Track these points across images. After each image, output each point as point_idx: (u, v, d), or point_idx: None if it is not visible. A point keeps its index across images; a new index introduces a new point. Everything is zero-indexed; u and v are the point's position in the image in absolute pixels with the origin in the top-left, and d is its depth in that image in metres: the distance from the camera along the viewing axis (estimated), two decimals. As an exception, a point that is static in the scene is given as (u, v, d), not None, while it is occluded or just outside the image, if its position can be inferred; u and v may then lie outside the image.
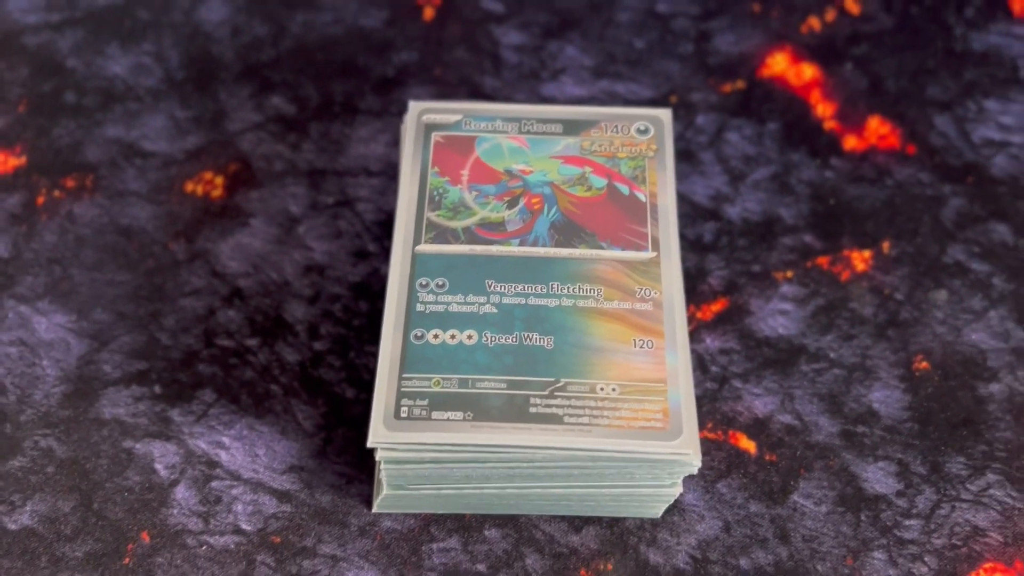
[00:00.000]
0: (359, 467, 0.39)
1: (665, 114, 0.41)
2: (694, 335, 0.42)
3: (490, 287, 0.36)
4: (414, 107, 0.41)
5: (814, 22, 0.52)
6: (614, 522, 0.38)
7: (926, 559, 0.37)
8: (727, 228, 0.45)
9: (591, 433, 0.33)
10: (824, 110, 0.49)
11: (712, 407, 0.40)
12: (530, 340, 0.35)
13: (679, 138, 0.48)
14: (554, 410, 0.34)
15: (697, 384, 0.40)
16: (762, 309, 0.43)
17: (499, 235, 0.38)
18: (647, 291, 0.36)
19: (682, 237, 0.44)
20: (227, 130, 0.48)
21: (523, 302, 0.36)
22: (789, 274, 0.44)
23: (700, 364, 0.41)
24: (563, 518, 0.38)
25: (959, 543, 0.37)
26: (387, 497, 0.36)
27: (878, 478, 0.39)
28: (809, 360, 0.42)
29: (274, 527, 0.37)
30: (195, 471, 0.38)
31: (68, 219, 0.45)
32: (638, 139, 0.40)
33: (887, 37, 0.52)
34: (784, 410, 0.40)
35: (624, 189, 0.39)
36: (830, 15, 0.53)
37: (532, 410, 0.34)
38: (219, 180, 0.46)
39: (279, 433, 0.39)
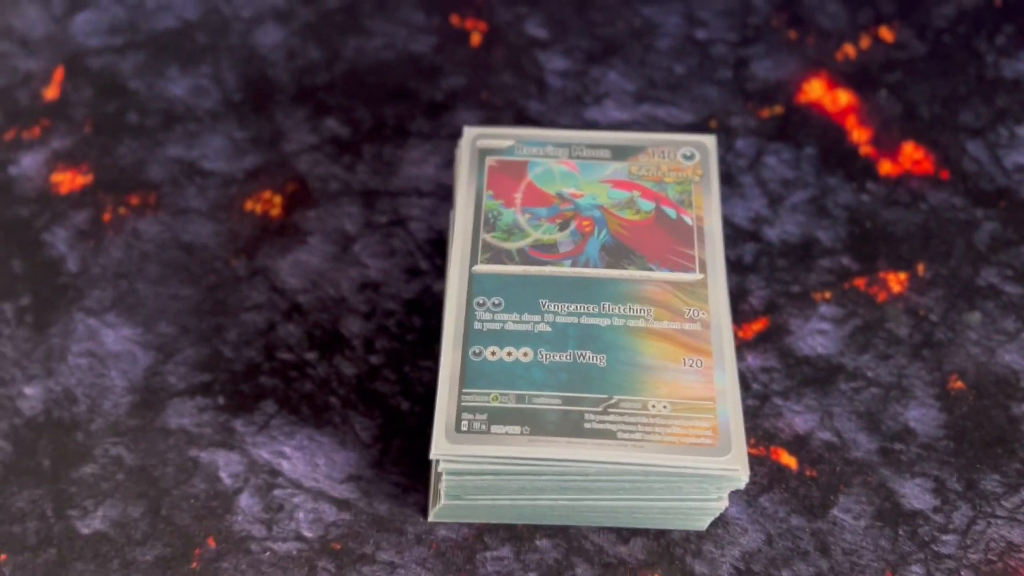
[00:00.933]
0: (414, 477, 0.41)
1: (710, 140, 0.43)
2: (736, 353, 0.43)
3: (544, 306, 0.38)
4: (468, 132, 0.43)
5: (849, 49, 0.54)
6: (660, 534, 0.39)
7: (962, 573, 0.38)
8: (767, 249, 0.47)
9: (644, 449, 0.35)
10: (860, 135, 0.51)
11: (754, 423, 0.42)
12: (583, 358, 0.37)
13: (719, 161, 0.49)
14: (608, 426, 0.35)
15: (740, 401, 0.42)
16: (801, 329, 0.44)
17: (552, 256, 0.39)
18: (695, 311, 0.38)
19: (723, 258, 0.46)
20: (284, 151, 0.49)
21: (576, 321, 0.38)
22: (827, 295, 0.45)
23: (742, 381, 0.43)
24: (611, 529, 0.39)
25: (994, 558, 0.39)
26: (444, 507, 0.38)
27: (915, 494, 0.40)
28: (847, 379, 0.43)
29: (334, 534, 0.39)
30: (258, 479, 0.40)
31: (133, 235, 0.47)
32: (684, 164, 0.42)
33: (920, 64, 0.53)
34: (824, 427, 0.42)
35: (671, 213, 0.41)
36: (864, 42, 0.54)
37: (587, 426, 0.35)
38: (277, 199, 0.48)
39: (338, 444, 0.41)
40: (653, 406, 0.36)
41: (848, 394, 0.43)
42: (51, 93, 0.52)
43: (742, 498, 0.40)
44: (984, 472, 0.41)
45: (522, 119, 0.51)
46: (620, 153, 0.42)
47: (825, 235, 0.47)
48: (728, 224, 0.47)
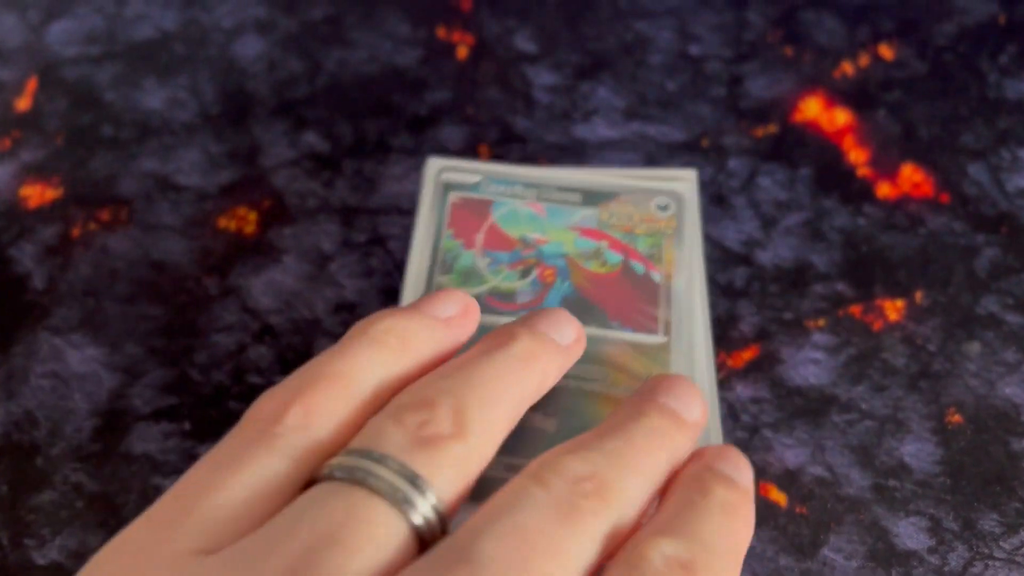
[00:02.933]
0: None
1: (689, 188, 0.40)
2: (724, 383, 0.42)
3: None
4: (433, 164, 0.41)
5: (847, 67, 0.52)
6: (642, 572, 0.37)
7: (959, 618, 0.37)
8: (759, 274, 0.45)
9: None
10: (857, 156, 0.49)
11: (742, 457, 0.40)
12: (531, 421, 0.34)
13: (710, 182, 0.48)
14: None
15: (728, 433, 0.40)
16: (793, 357, 0.43)
17: (509, 306, 0.37)
18: None
19: (714, 282, 0.44)
20: (261, 166, 0.48)
21: None
22: (821, 322, 0.44)
23: (731, 412, 0.41)
24: (591, 567, 0.38)
25: (992, 603, 0.37)
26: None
27: (910, 533, 0.38)
28: (840, 411, 0.41)
29: (301, 569, 0.37)
30: (223, 510, 0.38)
31: (102, 252, 0.45)
32: (657, 215, 0.39)
33: (920, 83, 0.52)
34: (815, 461, 0.40)
35: (639, 268, 0.38)
36: (863, 60, 0.53)
37: None
38: (252, 216, 0.46)
39: (307, 473, 0.39)
40: None
41: (841, 427, 0.41)
42: (23, 104, 0.50)
43: (728, 536, 0.38)
44: (982, 511, 0.39)
45: (508, 135, 0.49)
46: (591, 198, 0.40)
47: (820, 260, 0.45)
48: (719, 247, 0.46)
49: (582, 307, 0.37)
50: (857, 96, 0.51)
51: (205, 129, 0.49)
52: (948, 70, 0.52)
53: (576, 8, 0.55)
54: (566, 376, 0.35)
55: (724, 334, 0.43)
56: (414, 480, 0.22)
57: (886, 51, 0.53)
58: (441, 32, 0.53)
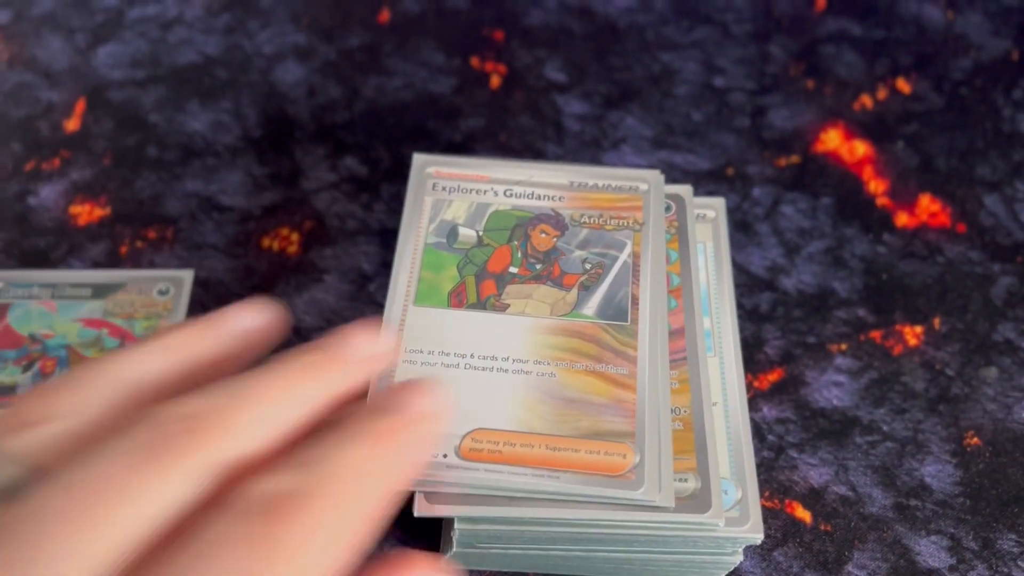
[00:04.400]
0: (426, 523, 0.40)
1: (188, 276, 0.45)
2: (751, 403, 0.43)
3: None
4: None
5: (866, 100, 0.54)
6: (673, 586, 0.39)
7: (979, 635, 0.38)
8: (783, 299, 0.47)
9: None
10: (876, 186, 0.51)
11: (769, 476, 0.41)
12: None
13: (735, 209, 0.49)
14: None
15: (755, 453, 0.42)
16: (817, 380, 0.44)
17: (7, 399, 0.41)
18: None
19: (740, 306, 0.46)
20: (303, 188, 0.50)
21: None
22: (843, 346, 0.45)
23: (757, 432, 0.43)
24: (623, 580, 0.39)
25: (1011, 620, 0.38)
26: (455, 555, 0.38)
27: (931, 552, 0.40)
28: (863, 432, 0.43)
29: (344, 578, 0.39)
30: (268, 520, 0.40)
31: (149, 269, 0.47)
32: (158, 300, 0.44)
33: (937, 116, 0.54)
34: (839, 481, 0.41)
35: None
36: (882, 93, 0.54)
37: None
38: (295, 237, 0.48)
39: (349, 486, 0.41)
40: None
41: (864, 448, 0.42)
42: (72, 125, 0.52)
43: (756, 552, 0.40)
44: (1001, 531, 0.40)
45: (540, 160, 0.51)
46: (100, 291, 0.44)
47: (841, 286, 0.47)
48: (745, 272, 0.47)
49: None
50: (876, 128, 0.53)
51: (248, 152, 0.51)
52: (964, 104, 0.54)
53: (604, 40, 0.56)
54: None
55: (750, 356, 0.45)
56: None
57: (904, 85, 0.55)
58: (475, 62, 0.55)
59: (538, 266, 0.40)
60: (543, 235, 0.41)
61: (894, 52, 0.56)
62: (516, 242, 0.40)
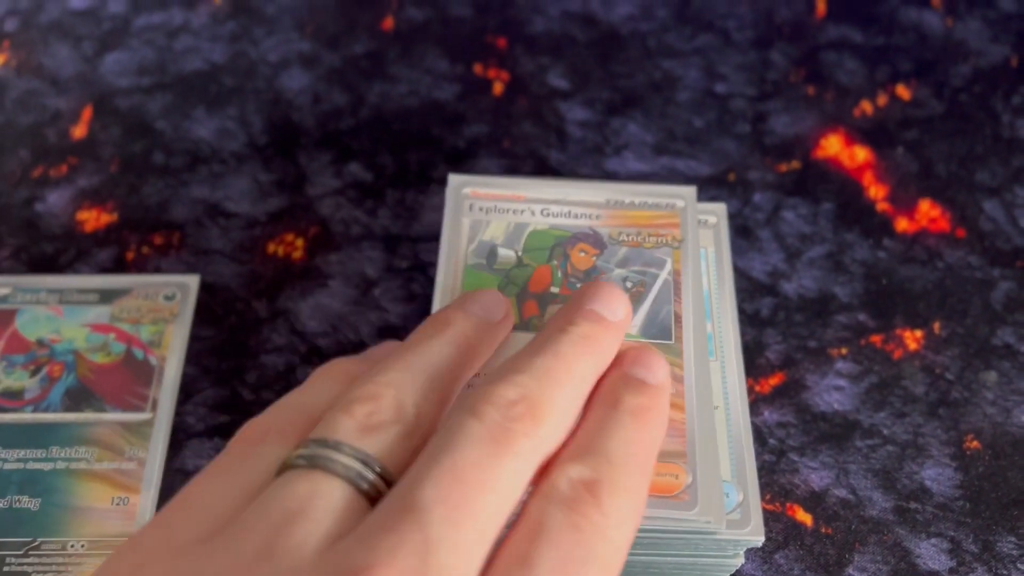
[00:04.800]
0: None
1: (193, 281, 0.45)
2: (752, 407, 0.44)
3: None
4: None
5: (866, 106, 0.55)
6: (675, 588, 0.39)
7: (978, 637, 0.38)
8: (784, 304, 0.47)
9: None
10: (876, 192, 0.51)
11: (770, 479, 0.42)
12: (19, 503, 0.39)
13: (737, 215, 0.50)
14: (25, 568, 0.38)
15: (756, 456, 0.42)
16: (818, 384, 0.44)
17: (16, 403, 0.42)
18: (135, 451, 0.41)
19: (741, 311, 0.46)
20: (307, 194, 0.50)
21: (22, 467, 0.40)
22: (844, 351, 0.45)
23: (759, 436, 0.43)
24: (626, 583, 0.39)
25: (1011, 622, 0.39)
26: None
27: (931, 554, 0.40)
28: (863, 436, 0.43)
29: None
30: (274, 523, 0.40)
31: (156, 275, 0.47)
32: (163, 305, 0.44)
33: (937, 122, 0.54)
34: (839, 484, 0.42)
35: (139, 354, 0.43)
36: (882, 100, 0.55)
37: (5, 568, 0.38)
38: (300, 242, 0.48)
39: (354, 489, 0.41)
40: (72, 546, 0.38)
41: (864, 451, 0.43)
42: (79, 131, 0.53)
43: (758, 555, 0.40)
44: (1001, 534, 0.41)
45: (543, 168, 0.52)
46: (107, 296, 0.45)
47: (842, 291, 0.47)
48: (746, 277, 0.48)
49: (83, 396, 0.42)
50: (876, 134, 0.53)
51: (253, 158, 0.52)
52: (963, 110, 0.55)
53: (607, 47, 0.57)
54: (52, 459, 0.40)
55: (752, 361, 0.45)
56: (365, 459, 0.25)
57: (904, 91, 0.55)
58: (478, 69, 0.56)
59: (579, 285, 0.40)
60: (582, 254, 0.41)
61: (894, 59, 0.57)
62: (556, 262, 0.40)
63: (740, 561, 0.37)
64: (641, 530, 0.35)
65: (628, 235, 0.42)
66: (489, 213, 0.42)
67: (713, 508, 0.35)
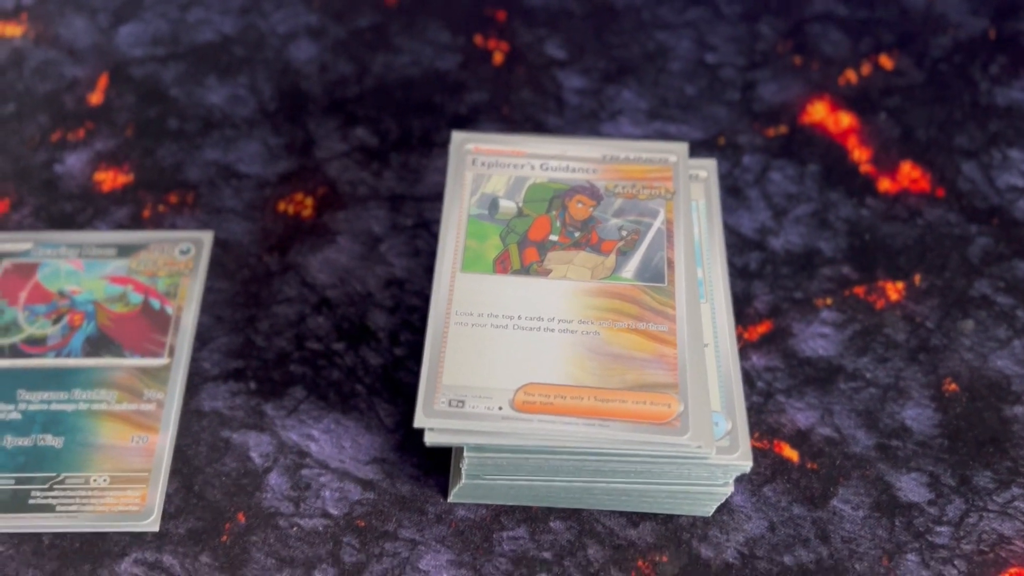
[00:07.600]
0: (435, 461, 0.43)
1: (207, 236, 0.48)
2: (741, 353, 0.46)
3: (20, 396, 0.43)
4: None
5: (851, 75, 0.57)
6: (668, 519, 0.41)
7: (956, 563, 0.40)
8: (771, 258, 0.49)
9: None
10: (860, 155, 0.53)
11: (759, 419, 0.44)
12: (43, 440, 0.42)
13: (727, 176, 0.52)
14: (50, 500, 0.41)
15: (745, 398, 0.44)
16: (803, 332, 0.47)
17: (39, 349, 0.45)
18: (153, 393, 0.43)
19: (731, 264, 0.49)
20: (316, 157, 0.52)
21: (46, 408, 0.43)
22: (828, 301, 0.48)
23: (748, 379, 0.45)
24: (622, 514, 0.41)
25: (986, 549, 0.41)
26: (464, 486, 0.40)
27: (911, 488, 0.42)
28: (847, 379, 0.45)
29: (359, 512, 0.41)
30: (287, 460, 0.42)
31: (171, 231, 0.49)
32: (178, 259, 0.47)
33: (918, 90, 0.56)
34: (824, 423, 0.44)
35: (156, 304, 0.46)
36: (865, 69, 0.57)
37: (31, 501, 0.40)
38: (309, 201, 0.51)
39: (363, 428, 0.43)
40: (95, 480, 0.41)
41: (848, 393, 0.45)
42: (96, 98, 0.55)
43: (746, 487, 0.42)
44: (977, 469, 0.43)
45: (540, 133, 0.54)
46: (124, 251, 0.47)
47: (826, 246, 0.50)
48: (735, 234, 0.50)
49: (103, 343, 0.45)
50: (860, 101, 0.56)
51: (264, 123, 0.54)
52: (943, 79, 0.57)
53: (602, 19, 0.59)
54: (75, 400, 0.43)
55: (741, 311, 0.47)
56: None
57: (886, 61, 0.58)
58: (478, 40, 0.58)
59: (576, 234, 0.42)
60: (580, 205, 0.43)
61: (877, 30, 0.59)
62: (554, 212, 0.43)
63: (730, 490, 0.39)
64: (636, 457, 0.38)
65: (623, 187, 0.44)
66: (491, 168, 0.44)
67: (703, 434, 0.37)
